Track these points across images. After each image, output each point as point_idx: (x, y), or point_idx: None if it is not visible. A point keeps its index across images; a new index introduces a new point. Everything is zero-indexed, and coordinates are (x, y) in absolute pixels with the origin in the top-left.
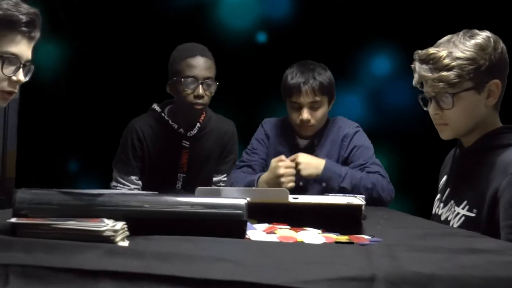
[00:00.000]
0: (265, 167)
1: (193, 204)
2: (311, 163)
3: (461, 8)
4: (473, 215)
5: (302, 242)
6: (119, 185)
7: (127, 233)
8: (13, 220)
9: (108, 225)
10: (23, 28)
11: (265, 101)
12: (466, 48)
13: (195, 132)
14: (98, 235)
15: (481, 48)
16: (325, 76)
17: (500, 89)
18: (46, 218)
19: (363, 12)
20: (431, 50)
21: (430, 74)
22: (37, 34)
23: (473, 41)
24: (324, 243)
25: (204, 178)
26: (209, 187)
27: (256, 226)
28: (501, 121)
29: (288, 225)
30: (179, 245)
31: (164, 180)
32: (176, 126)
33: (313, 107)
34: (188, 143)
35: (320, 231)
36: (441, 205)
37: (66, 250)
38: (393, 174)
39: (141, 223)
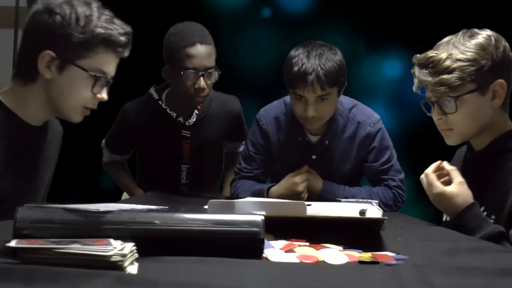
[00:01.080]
0: (268, 172)
1: (206, 221)
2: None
3: (475, 8)
4: (492, 221)
5: (324, 262)
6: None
7: (136, 255)
8: (13, 244)
9: (115, 248)
10: (119, 49)
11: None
12: (466, 49)
13: (193, 120)
14: (105, 260)
15: (482, 47)
16: (335, 62)
17: (505, 89)
18: (49, 241)
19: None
20: (430, 53)
21: (430, 78)
22: (127, 53)
23: (473, 41)
24: (348, 263)
25: (210, 167)
26: (222, 200)
27: (273, 243)
28: None
29: (306, 241)
30: (193, 270)
31: (167, 173)
32: (174, 115)
33: (320, 100)
34: (188, 132)
35: (341, 248)
36: None
37: (71, 279)
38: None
39: (150, 242)
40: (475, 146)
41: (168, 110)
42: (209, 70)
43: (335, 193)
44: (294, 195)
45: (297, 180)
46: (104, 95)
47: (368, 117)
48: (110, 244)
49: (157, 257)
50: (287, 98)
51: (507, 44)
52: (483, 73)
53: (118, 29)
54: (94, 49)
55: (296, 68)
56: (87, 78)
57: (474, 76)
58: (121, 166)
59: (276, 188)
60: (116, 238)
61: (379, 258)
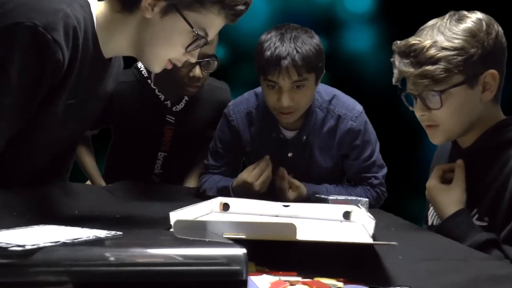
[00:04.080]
0: (238, 168)
1: (171, 258)
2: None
3: None
4: (484, 224)
5: None
6: None
7: None
8: None
9: None
10: (232, 17)
11: None
12: (454, 35)
13: (181, 106)
14: None
15: (471, 34)
16: (312, 45)
17: (497, 80)
18: None
19: None
20: (412, 40)
21: (412, 69)
22: (236, 22)
23: (461, 26)
24: None
25: (187, 159)
26: (191, 220)
27: (257, 280)
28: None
29: (297, 274)
30: None
31: (141, 159)
32: (162, 98)
33: (296, 88)
34: (173, 118)
35: (341, 284)
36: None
37: None
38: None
39: None
40: (461, 142)
41: (156, 91)
42: (208, 59)
43: (318, 193)
44: (250, 194)
45: (249, 181)
46: (195, 56)
47: (350, 110)
48: None
49: None
50: (258, 90)
51: (500, 29)
52: (472, 63)
53: None
54: (208, 7)
55: (268, 53)
56: (187, 34)
57: (462, 67)
58: (85, 142)
59: (234, 185)
60: (49, 287)
61: None
